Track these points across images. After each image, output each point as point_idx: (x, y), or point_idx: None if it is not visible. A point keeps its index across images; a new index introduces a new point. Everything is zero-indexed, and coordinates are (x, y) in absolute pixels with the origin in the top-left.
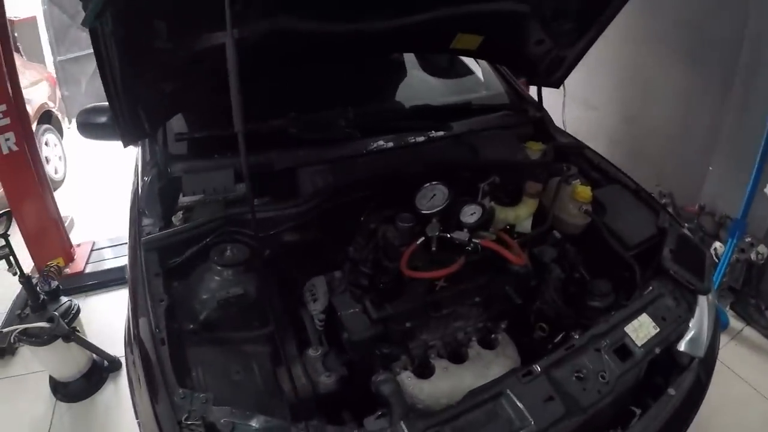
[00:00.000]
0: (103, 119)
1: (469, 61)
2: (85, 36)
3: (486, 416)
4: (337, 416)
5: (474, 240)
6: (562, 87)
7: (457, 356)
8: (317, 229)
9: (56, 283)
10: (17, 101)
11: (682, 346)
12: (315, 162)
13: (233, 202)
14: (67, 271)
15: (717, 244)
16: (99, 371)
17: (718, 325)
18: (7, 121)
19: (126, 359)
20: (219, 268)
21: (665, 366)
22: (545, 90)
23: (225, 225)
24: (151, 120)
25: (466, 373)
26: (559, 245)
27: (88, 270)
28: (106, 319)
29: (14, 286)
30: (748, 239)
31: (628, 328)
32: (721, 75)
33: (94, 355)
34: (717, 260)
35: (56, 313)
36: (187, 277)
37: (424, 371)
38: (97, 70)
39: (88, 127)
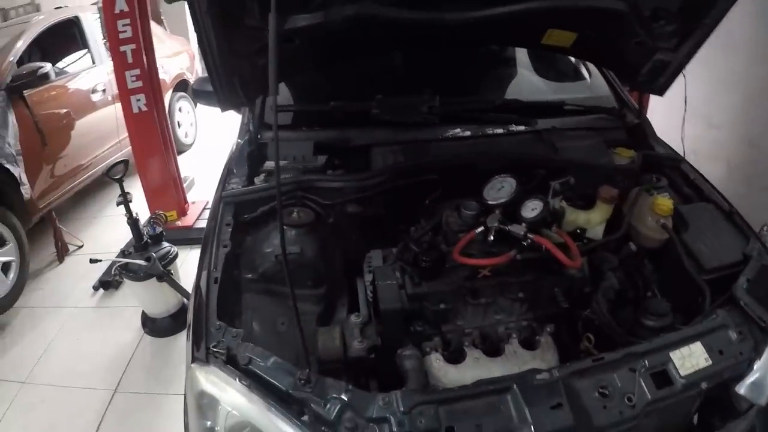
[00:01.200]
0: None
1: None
2: None
3: (486, 408)
4: (364, 384)
5: (529, 235)
6: (683, 102)
7: (493, 349)
8: (381, 205)
9: (160, 229)
10: (150, 67)
11: (741, 389)
12: (389, 142)
13: (310, 171)
14: (179, 224)
15: None
16: (185, 314)
17: None
18: (139, 84)
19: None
20: (286, 227)
21: (723, 408)
22: (664, 104)
23: (296, 189)
24: (246, 91)
25: (497, 368)
26: (632, 258)
27: (197, 225)
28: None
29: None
30: None
31: (675, 354)
32: None
33: (184, 300)
34: None
35: (155, 254)
36: (256, 233)
37: (454, 357)
38: None
39: (200, 93)
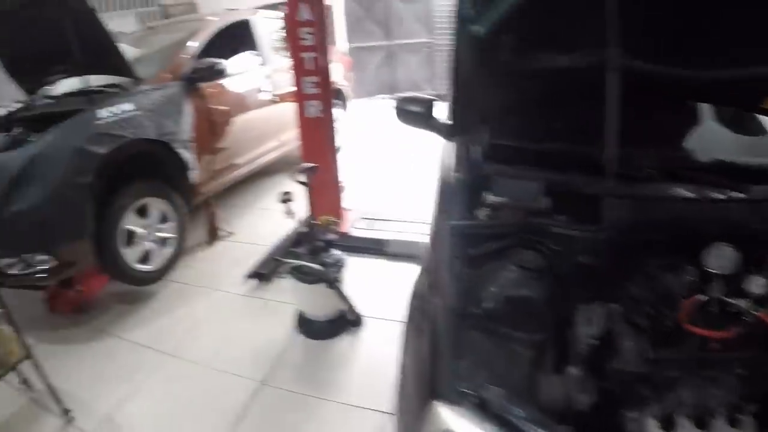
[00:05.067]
0: (416, 108)
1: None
2: (377, 30)
3: None
4: None
5: (754, 312)
6: None
7: (701, 422)
8: (608, 259)
9: (334, 236)
10: (326, 76)
11: None
12: (618, 194)
13: (535, 213)
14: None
15: None
16: (342, 322)
17: None
18: (316, 90)
19: (407, 329)
20: (514, 268)
21: None
22: None
23: (526, 231)
24: (478, 121)
25: None
26: None
27: (351, 233)
28: (358, 280)
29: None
30: None
31: None
32: None
33: (343, 307)
34: None
35: (329, 260)
36: (479, 268)
37: (667, 425)
38: (385, 60)
39: (404, 113)
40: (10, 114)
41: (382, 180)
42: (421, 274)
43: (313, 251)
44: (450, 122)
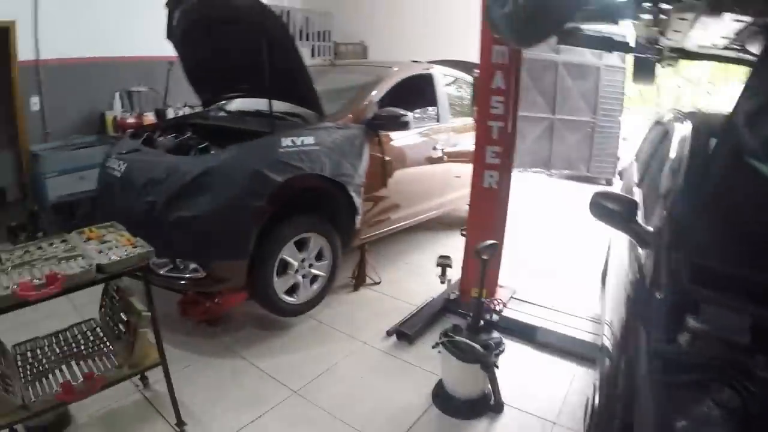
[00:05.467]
0: (616, 207)
1: None
2: (541, 102)
3: None
4: None
5: None
6: None
7: None
8: None
9: (497, 317)
10: (510, 148)
11: None
12: None
13: (735, 347)
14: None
15: None
16: (483, 405)
17: None
18: (497, 161)
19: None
20: (711, 404)
21: None
22: None
23: (728, 367)
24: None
25: None
26: None
27: (503, 313)
28: (504, 365)
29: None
30: None
31: None
32: None
33: (486, 390)
34: None
35: (491, 342)
36: (673, 397)
37: None
38: (544, 133)
39: (600, 208)
40: (180, 118)
41: (536, 260)
42: (602, 386)
43: (474, 329)
44: (659, 232)
